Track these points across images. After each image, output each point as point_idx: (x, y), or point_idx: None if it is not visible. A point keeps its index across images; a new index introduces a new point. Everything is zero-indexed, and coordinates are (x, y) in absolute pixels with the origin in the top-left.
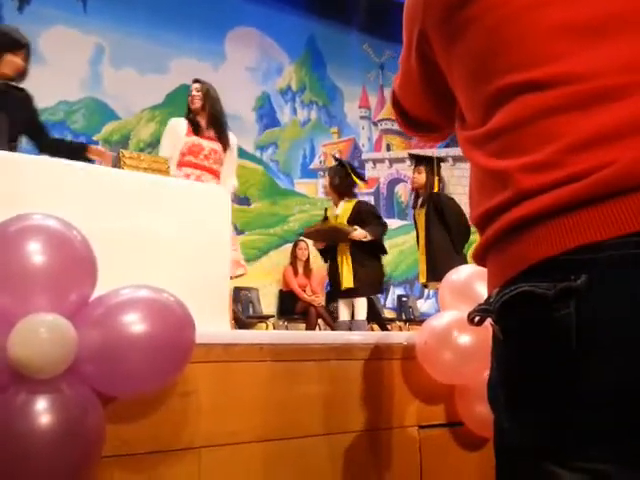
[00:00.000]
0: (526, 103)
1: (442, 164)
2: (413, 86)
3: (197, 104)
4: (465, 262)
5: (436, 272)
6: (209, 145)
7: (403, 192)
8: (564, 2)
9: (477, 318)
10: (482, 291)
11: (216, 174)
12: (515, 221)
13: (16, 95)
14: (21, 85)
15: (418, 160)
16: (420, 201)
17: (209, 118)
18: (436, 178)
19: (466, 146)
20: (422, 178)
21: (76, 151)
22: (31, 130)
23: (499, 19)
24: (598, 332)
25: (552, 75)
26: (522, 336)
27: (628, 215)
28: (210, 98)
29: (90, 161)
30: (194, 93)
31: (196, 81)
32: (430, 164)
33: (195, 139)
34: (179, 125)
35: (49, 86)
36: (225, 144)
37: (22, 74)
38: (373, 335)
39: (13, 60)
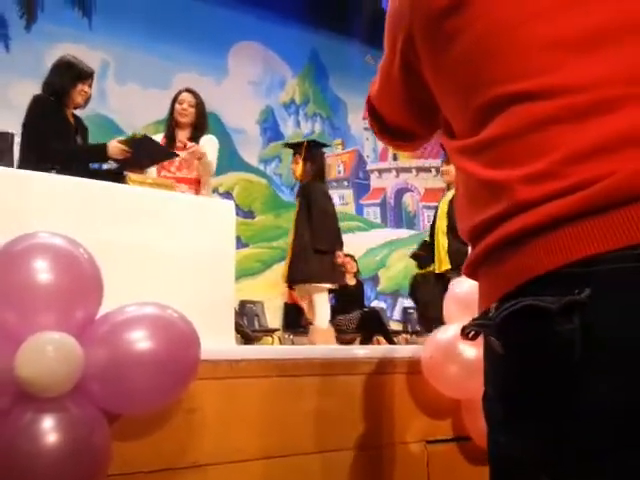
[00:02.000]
0: (521, 113)
1: (324, 149)
2: (393, 93)
3: (187, 119)
4: (328, 265)
5: (295, 273)
6: (179, 155)
7: (411, 201)
8: (557, 13)
9: (472, 333)
10: None
11: (193, 182)
12: (513, 233)
13: (81, 125)
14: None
15: (292, 149)
16: (297, 192)
17: (191, 131)
18: (306, 165)
19: (456, 156)
20: (298, 168)
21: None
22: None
23: (490, 28)
24: (602, 347)
25: (548, 86)
26: (524, 350)
27: (629, 226)
28: (201, 115)
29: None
30: (185, 106)
31: (188, 91)
32: (303, 151)
33: None
34: None
35: None
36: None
37: (88, 100)
38: (378, 349)
39: (83, 89)
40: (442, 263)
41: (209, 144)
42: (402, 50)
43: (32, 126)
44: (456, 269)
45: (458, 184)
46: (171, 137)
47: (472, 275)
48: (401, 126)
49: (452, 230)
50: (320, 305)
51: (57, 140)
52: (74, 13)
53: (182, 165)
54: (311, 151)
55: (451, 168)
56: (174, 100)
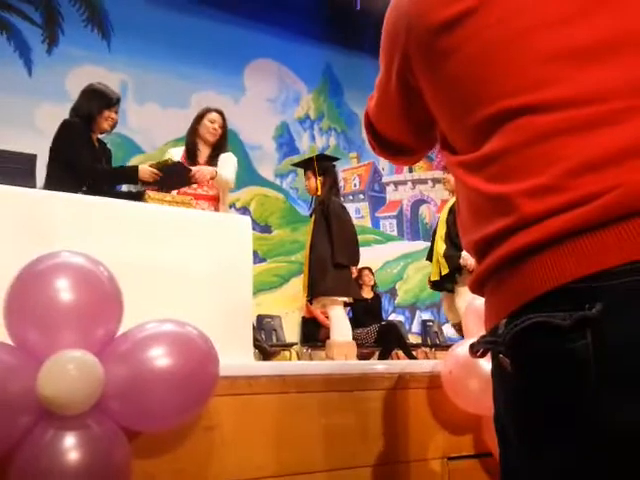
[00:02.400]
0: (522, 127)
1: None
2: (390, 110)
3: (213, 139)
4: (346, 279)
5: (313, 287)
6: None
7: (427, 213)
8: (555, 26)
9: (480, 351)
10: None
11: (213, 199)
12: (518, 249)
13: (105, 149)
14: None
15: (302, 167)
16: (312, 208)
17: (214, 151)
18: (319, 180)
19: (458, 170)
20: (310, 183)
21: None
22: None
23: (488, 44)
24: (616, 362)
25: (548, 99)
26: (536, 368)
27: (637, 239)
28: (225, 136)
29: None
30: (216, 127)
31: (218, 112)
32: (315, 166)
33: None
34: (174, 157)
35: None
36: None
37: (114, 126)
38: (397, 364)
39: (110, 115)
40: (440, 269)
41: (227, 161)
42: (398, 68)
43: (61, 149)
44: (451, 274)
45: (459, 198)
46: (194, 152)
47: (478, 291)
48: (399, 141)
49: (449, 237)
50: (336, 319)
51: (85, 163)
52: (93, 36)
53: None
54: (321, 165)
55: (450, 177)
56: (201, 117)
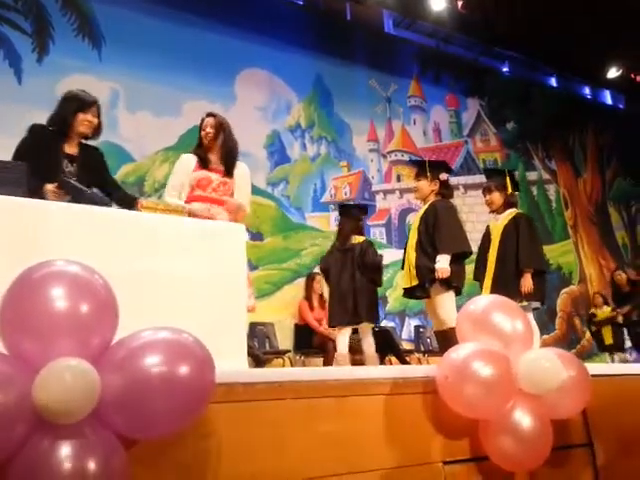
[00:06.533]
0: None
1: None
2: None
3: (211, 144)
4: None
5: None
6: (218, 178)
7: None
8: None
9: None
10: (501, 321)
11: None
12: None
13: (91, 153)
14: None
15: None
16: None
17: (221, 153)
18: None
19: None
20: None
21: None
22: (104, 185)
23: None
24: None
25: None
26: None
27: None
28: (224, 133)
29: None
30: (208, 130)
31: (210, 115)
32: None
33: (203, 172)
34: (188, 161)
35: None
36: (232, 176)
37: (97, 130)
38: (392, 370)
39: (86, 119)
40: (410, 278)
41: (241, 185)
42: None
43: (19, 155)
44: (422, 285)
45: None
46: (203, 158)
47: None
48: None
49: (420, 245)
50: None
51: (41, 170)
52: (84, 45)
53: (219, 186)
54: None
55: (421, 185)
56: (200, 127)
